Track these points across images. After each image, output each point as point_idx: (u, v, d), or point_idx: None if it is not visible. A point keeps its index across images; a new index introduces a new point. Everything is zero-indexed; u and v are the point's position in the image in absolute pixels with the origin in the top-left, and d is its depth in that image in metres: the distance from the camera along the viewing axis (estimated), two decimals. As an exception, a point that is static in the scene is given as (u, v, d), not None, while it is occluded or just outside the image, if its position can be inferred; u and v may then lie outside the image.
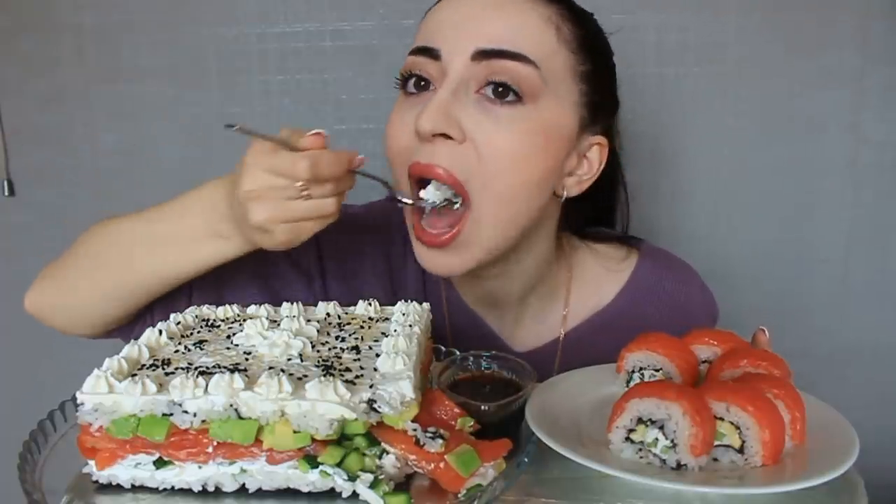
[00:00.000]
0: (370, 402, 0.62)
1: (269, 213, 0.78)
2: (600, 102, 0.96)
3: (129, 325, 0.99)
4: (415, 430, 0.62)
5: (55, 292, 0.97)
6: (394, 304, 0.87)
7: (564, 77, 0.91)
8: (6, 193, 1.60)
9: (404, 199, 0.90)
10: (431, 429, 0.63)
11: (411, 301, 0.87)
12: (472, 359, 0.83)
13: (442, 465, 0.61)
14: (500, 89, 0.87)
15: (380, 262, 1.07)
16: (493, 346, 1.04)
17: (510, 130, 0.87)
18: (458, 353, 0.84)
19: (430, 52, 0.90)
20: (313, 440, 0.61)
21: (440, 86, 0.89)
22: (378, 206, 1.10)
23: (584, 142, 0.95)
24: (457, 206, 0.89)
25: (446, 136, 0.86)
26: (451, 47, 0.89)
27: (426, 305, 0.85)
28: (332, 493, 0.63)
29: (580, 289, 1.07)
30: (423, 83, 0.91)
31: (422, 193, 0.88)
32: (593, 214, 1.10)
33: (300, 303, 0.86)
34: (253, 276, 1.01)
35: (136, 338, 0.75)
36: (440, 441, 0.62)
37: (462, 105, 0.87)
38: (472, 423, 0.69)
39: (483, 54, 0.87)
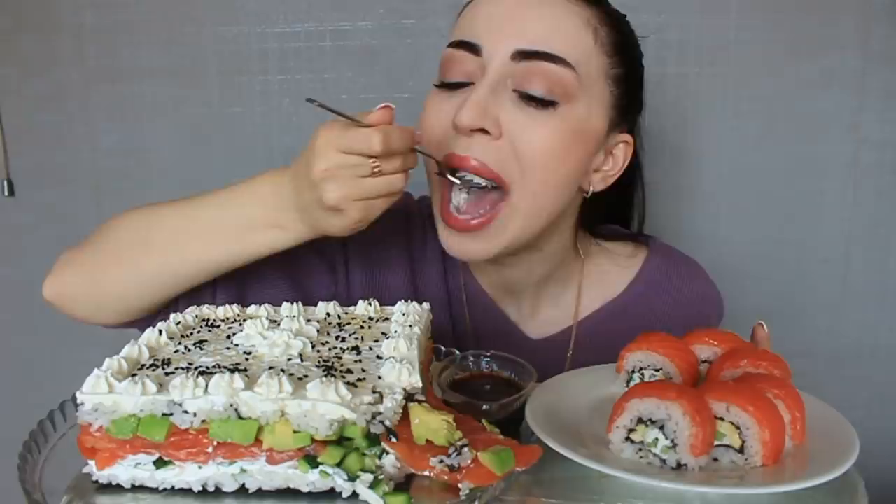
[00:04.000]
0: (376, 415, 0.61)
1: (344, 191, 0.79)
2: (629, 104, 0.99)
3: (153, 314, 0.96)
4: (440, 461, 0.61)
5: (81, 280, 0.94)
6: (415, 293, 0.86)
7: (598, 79, 0.94)
8: (6, 193, 1.60)
9: (453, 178, 0.91)
10: (451, 450, 0.61)
11: (425, 291, 0.87)
12: (471, 358, 0.83)
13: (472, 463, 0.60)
14: (538, 90, 0.89)
15: (401, 251, 1.08)
16: (509, 332, 1.07)
17: (545, 129, 0.90)
18: (457, 352, 0.84)
19: (470, 47, 0.92)
20: (313, 440, 0.61)
21: (478, 81, 0.91)
22: None
23: (612, 140, 0.99)
24: (492, 190, 0.91)
25: (483, 131, 0.89)
26: (492, 44, 0.91)
27: (426, 306, 0.85)
28: (332, 493, 0.63)
29: (591, 281, 1.10)
30: (461, 77, 0.93)
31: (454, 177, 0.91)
32: (610, 211, 1.12)
33: (300, 302, 0.86)
34: (278, 265, 1.00)
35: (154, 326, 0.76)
36: (466, 449, 0.61)
37: (499, 102, 0.90)
38: (497, 430, 0.67)
39: (523, 55, 0.89)
